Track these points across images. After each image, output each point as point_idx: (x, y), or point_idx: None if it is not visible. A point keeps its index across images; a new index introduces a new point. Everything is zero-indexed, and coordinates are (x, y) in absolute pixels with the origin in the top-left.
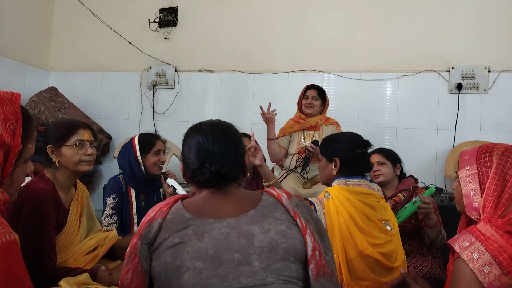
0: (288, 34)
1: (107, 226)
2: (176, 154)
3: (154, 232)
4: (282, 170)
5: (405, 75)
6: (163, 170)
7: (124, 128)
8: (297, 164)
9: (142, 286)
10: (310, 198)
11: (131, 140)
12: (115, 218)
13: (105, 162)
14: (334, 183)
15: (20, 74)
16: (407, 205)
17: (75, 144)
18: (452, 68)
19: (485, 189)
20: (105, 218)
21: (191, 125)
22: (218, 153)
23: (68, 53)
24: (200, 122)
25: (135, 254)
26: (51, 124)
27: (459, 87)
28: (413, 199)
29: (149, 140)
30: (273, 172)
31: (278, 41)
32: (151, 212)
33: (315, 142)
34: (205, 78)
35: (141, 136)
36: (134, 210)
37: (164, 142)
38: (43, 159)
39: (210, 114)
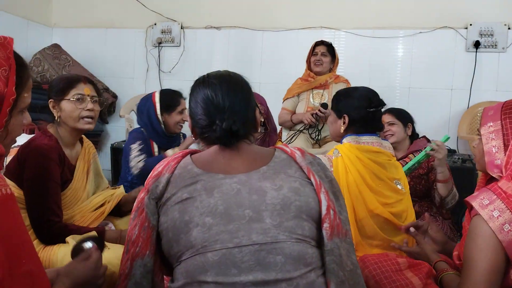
0: None
1: (137, 163)
2: None
3: (162, 187)
4: (290, 130)
5: (420, 32)
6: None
7: (129, 87)
8: (304, 127)
9: (149, 241)
10: (318, 156)
11: (151, 96)
12: (144, 155)
13: (111, 121)
14: (344, 140)
15: (23, 31)
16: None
17: (74, 98)
18: (470, 25)
19: (509, 145)
20: (133, 158)
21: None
22: (228, 109)
23: (71, 8)
24: (208, 74)
25: (142, 209)
26: (53, 78)
27: (476, 45)
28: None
29: (174, 98)
30: (281, 133)
31: None
32: (159, 167)
33: (324, 105)
34: (211, 35)
35: (164, 93)
36: None
37: (185, 100)
38: (48, 118)
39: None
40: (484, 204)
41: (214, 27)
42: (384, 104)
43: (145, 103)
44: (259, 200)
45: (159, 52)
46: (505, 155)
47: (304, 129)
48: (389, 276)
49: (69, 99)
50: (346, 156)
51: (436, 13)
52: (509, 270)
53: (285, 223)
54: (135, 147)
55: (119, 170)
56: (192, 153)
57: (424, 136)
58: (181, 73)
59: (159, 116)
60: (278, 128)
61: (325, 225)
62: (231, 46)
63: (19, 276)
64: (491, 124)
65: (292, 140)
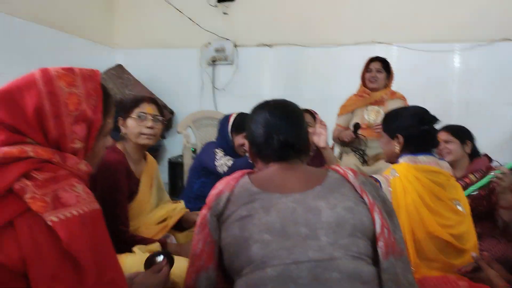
0: (349, 5)
1: (225, 163)
2: None
3: (223, 205)
4: (342, 146)
5: (478, 45)
6: None
7: (185, 103)
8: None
9: (212, 255)
10: (375, 176)
11: (229, 116)
12: (228, 157)
13: (169, 136)
14: (401, 160)
15: (89, 52)
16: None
17: (136, 116)
18: None
19: None
20: (219, 160)
21: (249, 100)
22: (285, 125)
23: (132, 30)
24: (266, 100)
25: (205, 225)
26: (125, 99)
27: None
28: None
29: (244, 122)
30: (333, 149)
31: (339, 13)
32: (219, 186)
33: (356, 126)
34: (263, 53)
35: (239, 115)
36: None
37: None
38: (116, 134)
39: (269, 89)
40: None
41: (265, 44)
42: (438, 120)
43: (224, 120)
44: (314, 219)
45: (213, 70)
46: None
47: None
48: None
49: (132, 117)
50: (404, 176)
51: (494, 25)
52: None
53: (340, 241)
54: (219, 151)
55: (175, 183)
56: (250, 172)
57: (485, 155)
58: (234, 90)
59: (229, 134)
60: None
61: (380, 244)
62: (282, 63)
63: (105, 284)
64: None
65: (342, 157)
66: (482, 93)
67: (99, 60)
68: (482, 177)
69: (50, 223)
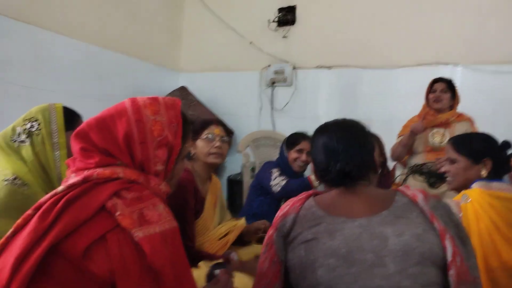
0: (410, 25)
1: (279, 182)
2: None
3: (289, 226)
4: (404, 169)
5: None
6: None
7: (245, 124)
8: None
9: (278, 275)
10: (445, 200)
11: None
12: (284, 177)
13: (228, 155)
14: (474, 185)
15: (156, 76)
16: None
17: (206, 137)
18: None
19: None
20: (274, 179)
21: (307, 121)
22: (342, 152)
23: (196, 54)
24: (326, 123)
25: (272, 244)
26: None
27: None
28: None
29: (295, 138)
30: (395, 171)
31: (399, 34)
32: (285, 207)
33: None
34: (321, 75)
35: (292, 133)
36: None
37: (306, 141)
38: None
39: (326, 110)
40: None
41: (324, 66)
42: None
43: (284, 140)
44: (380, 246)
45: (272, 91)
46: None
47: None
48: None
49: (202, 138)
50: (477, 202)
51: None
52: None
53: (408, 270)
54: (276, 170)
55: (235, 200)
56: (316, 193)
57: None
58: (292, 111)
59: (285, 151)
60: (391, 166)
61: (451, 272)
62: (340, 84)
63: None
64: None
65: (406, 179)
66: None
67: (165, 83)
68: None
69: (136, 239)
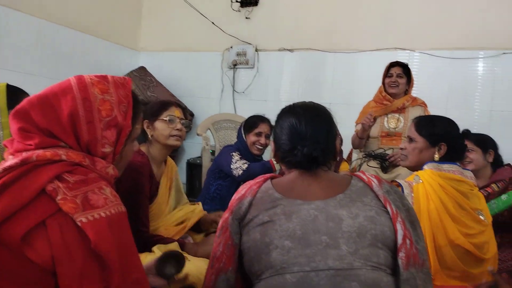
0: (372, 11)
1: (240, 166)
2: None
3: (245, 209)
4: (361, 153)
5: (503, 53)
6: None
7: (205, 106)
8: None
9: (233, 259)
10: (398, 180)
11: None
12: (245, 161)
13: (188, 138)
14: (425, 167)
15: (115, 55)
16: (504, 196)
17: (167, 118)
18: None
19: None
20: (235, 163)
21: (268, 104)
22: (310, 136)
23: (157, 34)
24: (294, 103)
25: (226, 228)
26: (149, 103)
27: None
28: None
29: (253, 121)
30: (351, 155)
31: (362, 19)
32: (242, 190)
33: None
34: (284, 57)
35: (250, 116)
36: None
37: (272, 127)
38: (140, 136)
39: (288, 93)
40: None
41: (287, 49)
42: (470, 133)
43: (241, 123)
44: (335, 228)
45: (234, 73)
46: None
47: (374, 155)
48: None
49: (162, 119)
50: (427, 182)
51: None
52: None
53: (360, 251)
54: (236, 154)
55: (194, 184)
56: (273, 177)
57: (508, 164)
58: (253, 93)
59: (243, 135)
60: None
61: (401, 255)
62: (303, 67)
63: (130, 283)
64: None
65: (362, 164)
66: (507, 102)
67: (124, 62)
68: (504, 187)
69: (79, 224)
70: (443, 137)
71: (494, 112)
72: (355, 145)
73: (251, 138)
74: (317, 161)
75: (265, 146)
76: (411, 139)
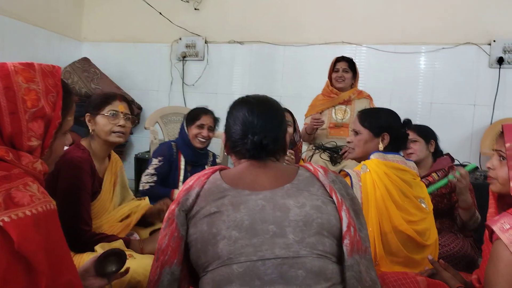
0: (320, 5)
1: (145, 183)
2: None
3: (192, 200)
4: (310, 145)
5: (443, 48)
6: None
7: (154, 99)
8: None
9: (178, 251)
10: (347, 170)
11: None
12: (155, 179)
13: (136, 132)
14: (372, 156)
15: (55, 45)
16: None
17: (109, 114)
18: (494, 41)
19: None
20: (145, 175)
21: (219, 96)
22: (261, 126)
23: (100, 24)
24: (247, 95)
25: (173, 220)
26: (92, 95)
27: (500, 61)
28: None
29: (195, 113)
30: (301, 148)
31: (310, 13)
32: (190, 181)
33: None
34: (234, 50)
35: (193, 108)
36: (181, 178)
37: (216, 119)
38: (80, 130)
39: (239, 86)
40: (505, 228)
41: (237, 41)
42: (412, 124)
43: (185, 115)
44: (282, 217)
45: (183, 65)
46: None
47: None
48: None
49: (103, 114)
50: (374, 171)
51: (459, 29)
52: None
53: (307, 239)
54: (154, 163)
55: None
56: (222, 169)
57: (448, 154)
58: (203, 86)
59: (185, 127)
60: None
61: (346, 242)
62: (253, 60)
63: (60, 285)
64: None
65: (312, 155)
66: (446, 94)
67: (65, 53)
68: (444, 176)
69: (1, 224)
70: (385, 128)
71: (434, 104)
72: (305, 139)
73: (193, 130)
74: (267, 149)
75: (208, 139)
76: (356, 132)
